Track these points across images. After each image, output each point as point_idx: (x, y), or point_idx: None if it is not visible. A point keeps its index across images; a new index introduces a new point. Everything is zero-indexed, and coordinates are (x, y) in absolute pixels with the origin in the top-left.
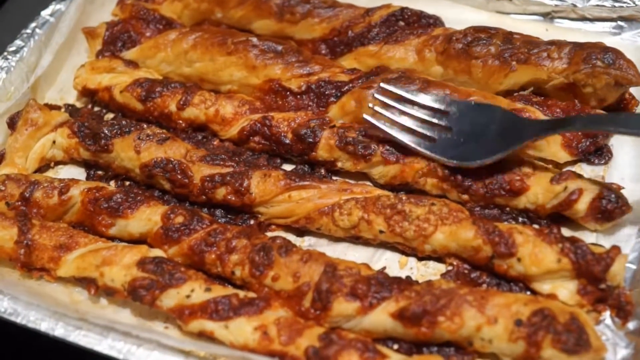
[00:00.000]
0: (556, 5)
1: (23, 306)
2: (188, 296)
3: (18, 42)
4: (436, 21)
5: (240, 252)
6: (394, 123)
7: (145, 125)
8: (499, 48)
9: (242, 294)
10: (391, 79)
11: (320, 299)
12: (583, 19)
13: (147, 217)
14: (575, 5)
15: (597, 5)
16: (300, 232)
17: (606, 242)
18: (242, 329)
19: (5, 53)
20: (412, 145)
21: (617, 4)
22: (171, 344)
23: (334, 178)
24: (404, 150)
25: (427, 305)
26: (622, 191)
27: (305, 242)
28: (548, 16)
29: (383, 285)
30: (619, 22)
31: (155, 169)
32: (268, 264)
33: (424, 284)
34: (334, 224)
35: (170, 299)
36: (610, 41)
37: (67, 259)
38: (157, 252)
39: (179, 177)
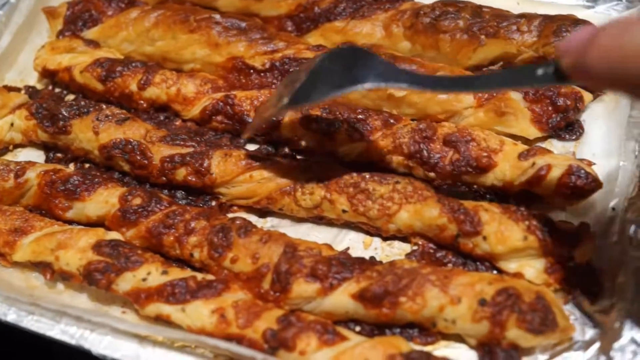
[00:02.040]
0: None
1: None
2: (144, 279)
3: None
4: None
5: (199, 234)
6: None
7: (104, 106)
8: (467, 22)
9: (200, 276)
10: None
11: (279, 281)
12: None
13: (105, 199)
14: None
15: None
16: (263, 213)
17: (576, 221)
18: (199, 312)
19: None
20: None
21: None
22: (125, 328)
23: (298, 157)
24: (369, 127)
25: (389, 285)
26: (593, 167)
27: (268, 223)
28: None
29: (344, 265)
30: None
31: (114, 150)
32: (227, 245)
33: (386, 264)
34: (296, 203)
35: (126, 282)
36: (583, 14)
37: (23, 243)
38: (113, 235)
39: (138, 158)
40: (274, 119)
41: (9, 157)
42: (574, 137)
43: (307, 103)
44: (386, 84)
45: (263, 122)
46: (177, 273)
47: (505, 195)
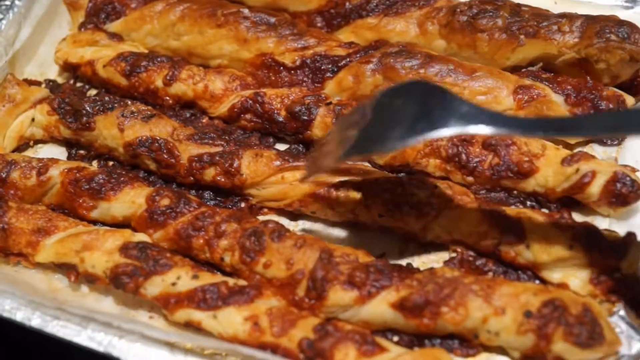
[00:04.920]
0: None
1: None
2: (174, 284)
3: None
4: None
5: (230, 237)
6: None
7: (129, 102)
8: (506, 21)
9: (231, 281)
10: (391, 54)
11: (315, 288)
12: None
13: (131, 199)
14: None
15: None
16: (294, 216)
17: (620, 228)
18: (232, 319)
19: None
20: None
21: None
22: (155, 335)
23: None
24: None
25: (430, 294)
26: (637, 174)
27: (299, 227)
28: None
29: (382, 273)
30: None
31: (140, 148)
32: (259, 249)
33: (426, 272)
34: (330, 207)
35: (155, 286)
36: (622, 15)
37: (46, 244)
38: (141, 237)
39: (165, 156)
40: (306, 118)
41: (29, 153)
42: (615, 143)
43: (377, 151)
44: (469, 129)
45: (322, 171)
46: (208, 278)
47: (546, 201)
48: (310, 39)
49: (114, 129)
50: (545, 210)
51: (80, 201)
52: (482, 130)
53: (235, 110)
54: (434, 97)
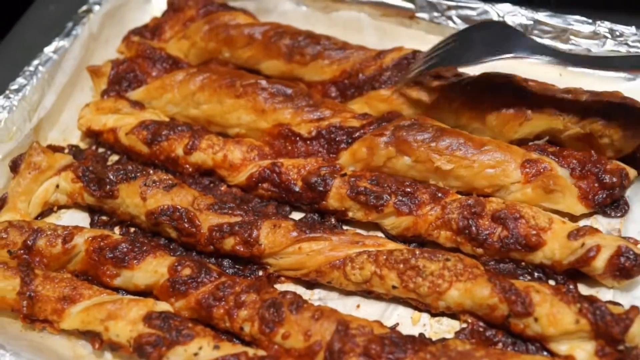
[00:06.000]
0: (570, 50)
1: None
2: (196, 354)
3: (20, 80)
4: None
5: (250, 308)
6: None
7: (151, 171)
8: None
9: (251, 352)
10: (404, 127)
11: (332, 359)
12: None
13: (154, 268)
14: (589, 50)
15: (612, 51)
16: (310, 285)
17: (624, 300)
18: None
19: (7, 92)
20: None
21: (632, 50)
22: None
23: (345, 227)
24: (417, 201)
25: None
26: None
27: (315, 295)
28: None
29: (397, 345)
30: None
31: (162, 217)
32: (278, 320)
33: (438, 345)
34: (346, 278)
35: (177, 356)
36: (625, 87)
37: (71, 312)
38: (163, 306)
39: (186, 226)
40: (321, 189)
41: (52, 218)
42: (619, 214)
43: (457, 64)
44: (531, 56)
45: (411, 78)
46: (228, 348)
47: (553, 272)
48: (325, 110)
49: (136, 198)
50: (552, 282)
51: (104, 269)
52: (540, 59)
53: (253, 179)
54: (504, 31)
